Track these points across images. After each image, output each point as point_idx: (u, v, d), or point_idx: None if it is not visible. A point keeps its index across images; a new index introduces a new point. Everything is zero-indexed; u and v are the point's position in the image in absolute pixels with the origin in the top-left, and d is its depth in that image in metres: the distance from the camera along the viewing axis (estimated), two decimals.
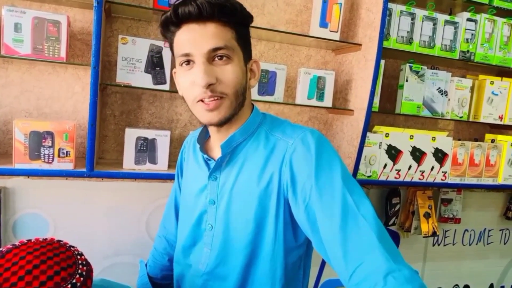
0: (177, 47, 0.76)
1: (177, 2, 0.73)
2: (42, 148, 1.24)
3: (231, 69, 0.75)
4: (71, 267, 0.62)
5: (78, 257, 0.66)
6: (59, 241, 0.67)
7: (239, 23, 0.77)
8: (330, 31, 1.55)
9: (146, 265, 1.12)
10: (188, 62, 0.75)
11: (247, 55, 0.81)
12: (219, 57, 0.74)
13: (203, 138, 0.91)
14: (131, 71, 1.34)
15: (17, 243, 0.64)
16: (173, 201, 1.09)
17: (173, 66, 1.42)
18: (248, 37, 0.82)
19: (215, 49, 0.73)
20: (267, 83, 1.50)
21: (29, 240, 0.65)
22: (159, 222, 1.17)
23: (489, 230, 2.23)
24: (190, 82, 0.75)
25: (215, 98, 0.74)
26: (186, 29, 0.74)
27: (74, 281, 0.61)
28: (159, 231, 1.14)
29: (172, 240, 1.09)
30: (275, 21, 1.64)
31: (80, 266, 0.64)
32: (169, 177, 1.40)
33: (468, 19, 1.69)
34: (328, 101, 1.59)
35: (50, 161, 1.25)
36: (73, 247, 0.68)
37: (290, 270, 0.83)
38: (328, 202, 0.69)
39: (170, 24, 0.76)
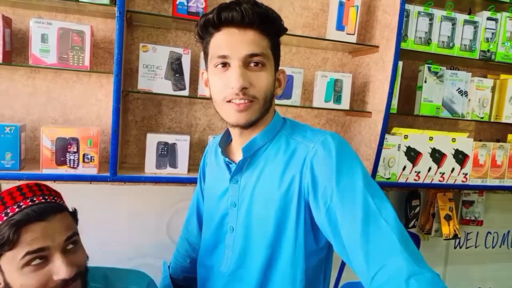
0: (214, 49, 0.79)
1: (221, 6, 0.76)
2: (68, 153, 1.28)
3: (264, 76, 0.78)
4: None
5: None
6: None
7: (275, 34, 0.81)
8: (347, 33, 1.55)
9: (168, 266, 1.15)
10: (224, 64, 0.78)
11: (277, 65, 0.85)
12: (254, 63, 0.77)
13: (225, 142, 0.93)
14: (152, 78, 1.38)
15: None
16: (195, 204, 1.11)
17: (192, 72, 1.46)
18: (279, 47, 0.85)
19: (252, 55, 0.76)
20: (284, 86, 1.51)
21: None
22: (179, 225, 1.19)
23: None
24: (223, 84, 0.78)
25: (246, 100, 0.77)
26: (226, 32, 0.77)
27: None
28: (181, 233, 1.17)
29: (194, 243, 1.11)
30: (291, 25, 1.66)
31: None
32: (189, 181, 1.43)
33: (489, 18, 1.67)
34: (345, 104, 1.59)
35: (75, 166, 1.30)
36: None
37: (311, 273, 0.83)
38: (349, 205, 0.70)
39: (210, 26, 0.78)
